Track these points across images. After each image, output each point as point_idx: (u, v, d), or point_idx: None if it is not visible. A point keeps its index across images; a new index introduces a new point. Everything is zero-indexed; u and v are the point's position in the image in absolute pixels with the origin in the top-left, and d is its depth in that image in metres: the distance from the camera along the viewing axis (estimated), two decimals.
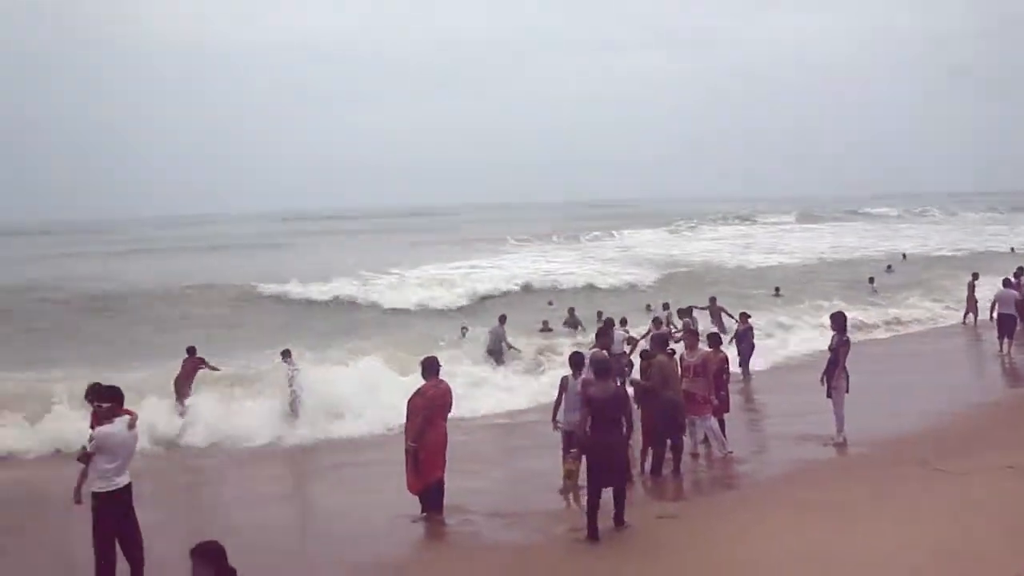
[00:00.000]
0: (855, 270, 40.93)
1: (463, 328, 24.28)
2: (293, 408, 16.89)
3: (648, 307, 27.08)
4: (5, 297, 35.13)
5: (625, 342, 18.86)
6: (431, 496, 10.62)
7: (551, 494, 11.66)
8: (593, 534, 9.54)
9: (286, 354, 18.01)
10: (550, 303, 31.32)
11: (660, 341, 13.11)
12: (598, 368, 10.15)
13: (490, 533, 10.38)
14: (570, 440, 11.41)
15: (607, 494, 9.68)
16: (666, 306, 23.90)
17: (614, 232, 72.39)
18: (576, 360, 12.03)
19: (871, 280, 33.31)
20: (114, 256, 60.35)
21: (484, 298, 32.35)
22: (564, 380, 11.99)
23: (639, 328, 20.90)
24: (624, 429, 9.88)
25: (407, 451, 10.51)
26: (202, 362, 18.45)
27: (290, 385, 17.32)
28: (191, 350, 18.65)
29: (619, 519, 9.78)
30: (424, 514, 10.63)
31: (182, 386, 17.76)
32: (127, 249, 68.05)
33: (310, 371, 17.69)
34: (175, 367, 18.26)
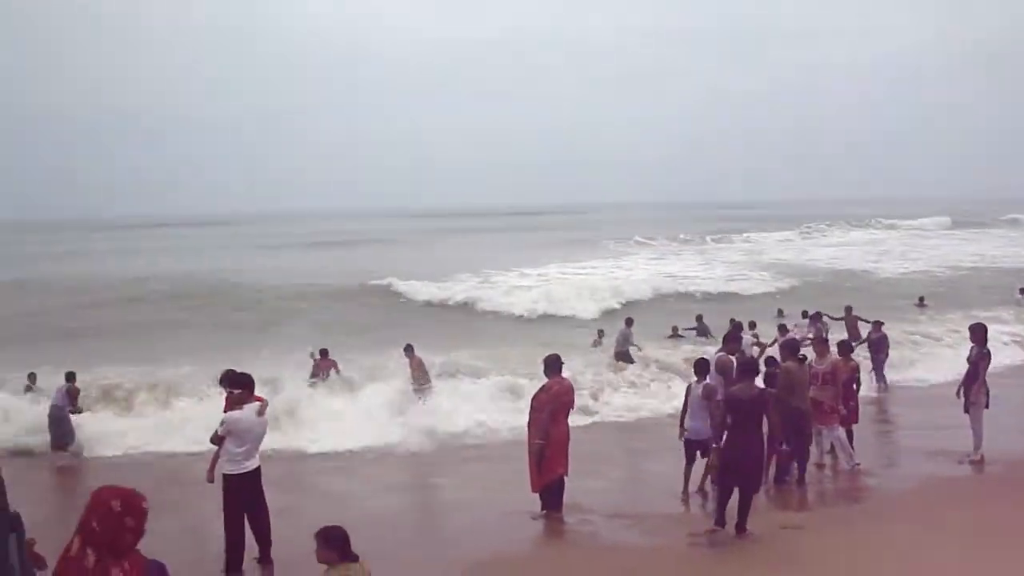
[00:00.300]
0: (1001, 280, 38.90)
1: (599, 331, 24.18)
2: (419, 401, 17.07)
3: (780, 312, 26.44)
4: (113, 290, 37.12)
5: (753, 346, 18.49)
6: (551, 494, 10.62)
7: (672, 497, 11.56)
8: (720, 522, 9.56)
9: (408, 349, 18.27)
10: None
11: (791, 347, 12.71)
12: (743, 368, 10.12)
13: (609, 534, 10.32)
14: (696, 447, 11.32)
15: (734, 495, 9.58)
16: (804, 314, 22.93)
17: (744, 234, 71.22)
18: (700, 366, 11.88)
19: (1022, 291, 31.53)
20: (230, 250, 62.94)
21: (608, 312, 31.65)
22: (689, 387, 11.86)
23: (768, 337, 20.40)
24: (764, 433, 9.75)
25: (531, 449, 10.53)
26: (334, 365, 18.93)
27: (414, 380, 17.60)
28: (324, 352, 19.15)
29: (741, 527, 9.58)
30: (544, 512, 10.65)
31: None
32: (246, 244, 70.87)
33: (438, 382, 17.99)
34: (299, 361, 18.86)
